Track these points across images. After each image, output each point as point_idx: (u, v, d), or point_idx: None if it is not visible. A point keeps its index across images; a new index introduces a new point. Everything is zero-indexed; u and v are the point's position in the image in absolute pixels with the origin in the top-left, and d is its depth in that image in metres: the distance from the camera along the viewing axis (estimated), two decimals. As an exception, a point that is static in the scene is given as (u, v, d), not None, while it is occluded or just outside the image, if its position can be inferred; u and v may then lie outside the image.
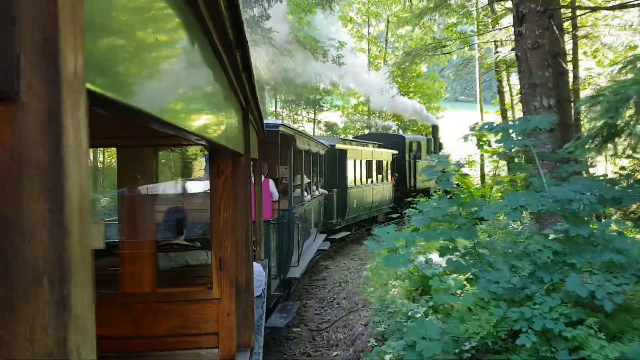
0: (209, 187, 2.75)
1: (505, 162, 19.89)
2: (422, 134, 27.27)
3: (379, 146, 17.33)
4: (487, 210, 3.90)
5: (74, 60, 0.48)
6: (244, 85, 2.58)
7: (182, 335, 2.83)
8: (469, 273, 3.97)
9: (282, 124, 6.37)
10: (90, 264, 0.51)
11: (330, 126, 28.81)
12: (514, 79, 19.89)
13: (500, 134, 4.41)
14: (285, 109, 26.67)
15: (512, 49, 14.03)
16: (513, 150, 5.23)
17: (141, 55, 0.83)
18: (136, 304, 2.82)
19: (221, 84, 2.02)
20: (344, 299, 8.49)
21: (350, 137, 26.73)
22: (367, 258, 11.97)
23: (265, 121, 6.86)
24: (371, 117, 31.22)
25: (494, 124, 4.89)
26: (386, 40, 32.34)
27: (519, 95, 14.97)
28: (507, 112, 15.37)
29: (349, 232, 14.08)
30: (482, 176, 19.94)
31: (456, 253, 3.91)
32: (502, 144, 4.61)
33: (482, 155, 19.40)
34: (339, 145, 12.94)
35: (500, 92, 15.25)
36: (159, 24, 0.95)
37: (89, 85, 0.52)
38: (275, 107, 25.41)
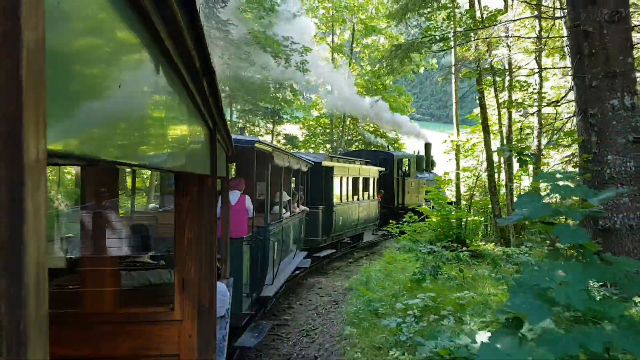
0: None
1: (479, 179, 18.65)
2: (397, 149, 27.58)
3: (366, 163, 17.50)
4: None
5: (36, 147, 0.54)
6: (210, 108, 2.64)
7: (142, 356, 2.83)
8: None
9: (258, 141, 6.43)
10: (46, 329, 0.57)
11: (289, 139, 26.82)
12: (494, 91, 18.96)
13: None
14: (242, 119, 24.75)
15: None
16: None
17: (105, 105, 0.88)
18: (96, 324, 2.81)
19: (188, 110, 2.08)
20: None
21: (311, 151, 26.95)
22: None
23: (241, 137, 6.94)
24: (334, 131, 29.64)
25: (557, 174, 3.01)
26: (351, 50, 30.68)
27: (505, 108, 14.68)
28: (489, 128, 14.77)
29: (334, 250, 14.06)
30: (458, 197, 19.17)
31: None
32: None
33: (457, 174, 18.78)
34: (325, 163, 13.03)
35: (483, 106, 14.39)
36: (124, 70, 1.00)
37: (49, 147, 0.57)
38: (231, 117, 23.36)
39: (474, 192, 18.16)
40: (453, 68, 17.75)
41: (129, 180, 7.66)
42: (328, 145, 29.03)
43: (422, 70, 28.52)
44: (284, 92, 24.31)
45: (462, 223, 14.64)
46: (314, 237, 12.35)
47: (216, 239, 2.81)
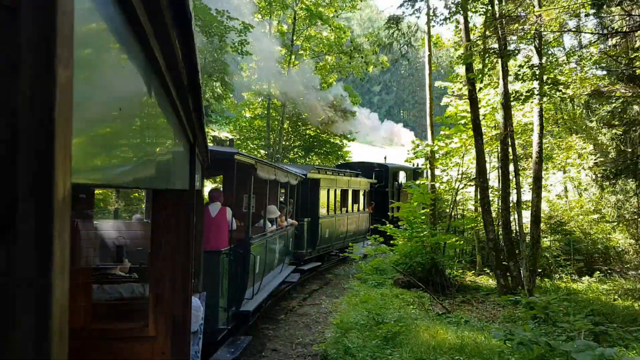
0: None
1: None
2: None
3: (357, 175, 17.58)
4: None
5: (64, 184, 0.56)
6: (192, 123, 2.66)
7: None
8: None
9: (238, 153, 6.44)
10: None
11: (219, 142, 20.39)
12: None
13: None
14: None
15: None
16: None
17: (109, 133, 0.91)
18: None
19: (172, 126, 2.11)
20: None
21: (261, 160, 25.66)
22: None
23: (221, 149, 6.94)
24: (271, 135, 24.40)
25: None
26: (292, 42, 24.71)
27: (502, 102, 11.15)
28: (480, 129, 11.83)
29: (319, 263, 14.03)
30: (434, 214, 14.80)
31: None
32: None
33: (432, 186, 14.89)
34: (311, 175, 13.09)
35: (473, 101, 11.64)
36: (124, 94, 1.03)
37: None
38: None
39: (453, 209, 15.67)
40: (426, 57, 15.43)
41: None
42: (263, 152, 24.72)
43: (371, 69, 24.35)
44: (213, 85, 19.16)
45: (440, 247, 12.84)
46: (299, 250, 12.35)
47: (192, 255, 2.81)
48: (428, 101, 16.09)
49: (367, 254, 15.41)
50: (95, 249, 3.16)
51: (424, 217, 13.32)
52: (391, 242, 13.32)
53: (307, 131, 25.95)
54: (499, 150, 12.29)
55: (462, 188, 15.87)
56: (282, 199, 10.89)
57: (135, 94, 1.18)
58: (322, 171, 14.40)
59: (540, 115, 12.05)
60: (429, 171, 15.38)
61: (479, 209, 16.43)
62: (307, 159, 26.38)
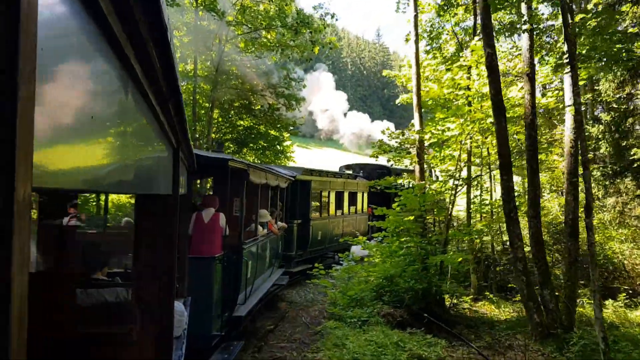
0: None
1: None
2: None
3: (355, 177, 17.59)
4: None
5: (24, 190, 0.61)
6: (175, 127, 2.70)
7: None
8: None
9: (232, 159, 6.49)
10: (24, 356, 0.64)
11: None
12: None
13: None
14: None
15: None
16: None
17: (78, 139, 0.95)
18: (49, 345, 2.80)
19: (153, 132, 2.15)
20: None
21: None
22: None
23: (215, 155, 6.98)
24: (197, 125, 19.00)
25: None
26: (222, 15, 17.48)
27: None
28: (502, 104, 8.64)
29: (309, 265, 14.01)
30: (423, 222, 11.11)
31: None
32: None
33: (421, 186, 11.03)
34: (301, 177, 13.10)
35: (494, 69, 8.48)
36: (98, 101, 1.07)
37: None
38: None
39: (450, 215, 11.79)
40: (412, 18, 12.59)
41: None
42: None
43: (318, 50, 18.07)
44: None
45: (437, 269, 9.95)
46: (288, 252, 12.35)
47: (175, 259, 2.85)
48: (414, 76, 12.05)
49: (366, 254, 12.57)
50: (81, 254, 3.19)
51: (413, 227, 10.32)
52: (365, 259, 11.56)
53: (240, 122, 21.27)
54: (525, 137, 9.27)
55: (461, 189, 12.10)
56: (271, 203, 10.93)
57: (110, 101, 1.21)
58: (314, 173, 14.45)
59: (576, 89, 8.78)
60: (417, 167, 11.76)
61: (487, 214, 13.82)
62: (241, 155, 21.30)
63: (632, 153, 14.34)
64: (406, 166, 15.25)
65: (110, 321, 2.97)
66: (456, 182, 11.51)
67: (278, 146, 22.40)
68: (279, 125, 20.93)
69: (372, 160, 17.17)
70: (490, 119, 9.85)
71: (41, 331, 2.82)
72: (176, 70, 1.90)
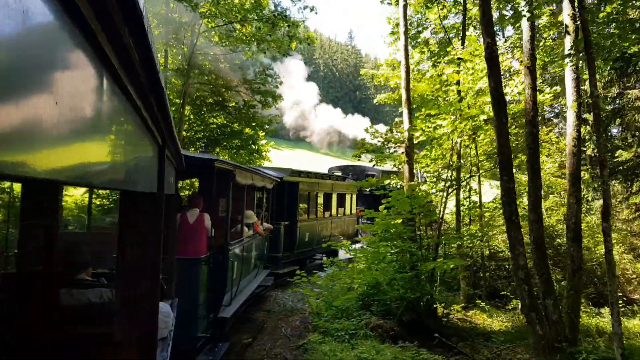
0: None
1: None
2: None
3: (343, 179, 17.65)
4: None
5: None
6: (159, 124, 2.67)
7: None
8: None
9: (218, 159, 6.46)
10: None
11: None
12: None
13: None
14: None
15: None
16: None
17: (40, 123, 0.91)
18: (31, 346, 2.74)
19: (134, 127, 2.11)
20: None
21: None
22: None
23: (200, 155, 6.93)
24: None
25: None
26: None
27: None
28: (504, 100, 8.02)
29: (296, 267, 13.98)
30: (411, 224, 10.09)
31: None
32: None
33: (411, 188, 10.22)
34: (288, 178, 13.09)
35: (493, 60, 7.72)
36: (63, 86, 1.03)
37: None
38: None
39: (442, 218, 10.85)
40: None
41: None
42: None
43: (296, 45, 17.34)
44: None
45: (428, 275, 9.27)
46: (274, 254, 12.31)
47: (160, 259, 2.81)
48: (404, 68, 11.18)
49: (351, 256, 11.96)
50: (65, 254, 3.13)
51: (404, 230, 9.53)
52: (350, 265, 10.75)
53: (213, 119, 20.30)
54: (525, 135, 8.60)
55: (452, 190, 11.37)
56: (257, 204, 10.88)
57: (82, 92, 1.18)
58: (302, 174, 14.46)
59: (577, 85, 8.71)
60: (407, 167, 10.91)
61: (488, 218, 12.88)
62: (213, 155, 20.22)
63: (616, 155, 14.32)
64: (394, 166, 14.35)
65: (93, 322, 2.92)
66: (447, 184, 10.80)
67: (253, 145, 21.10)
68: (254, 124, 19.73)
69: (362, 163, 16.78)
70: (484, 116, 9.50)
71: (24, 331, 2.76)
72: (156, 62, 1.87)
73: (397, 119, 13.67)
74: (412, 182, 10.55)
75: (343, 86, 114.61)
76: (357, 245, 12.30)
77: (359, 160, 14.23)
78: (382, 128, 12.53)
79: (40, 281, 2.87)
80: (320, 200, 15.49)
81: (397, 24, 15.74)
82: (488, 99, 9.26)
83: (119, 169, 1.81)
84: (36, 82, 0.87)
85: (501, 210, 11.32)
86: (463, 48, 11.72)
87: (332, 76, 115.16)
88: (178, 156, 3.45)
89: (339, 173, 20.72)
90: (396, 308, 8.64)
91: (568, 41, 8.79)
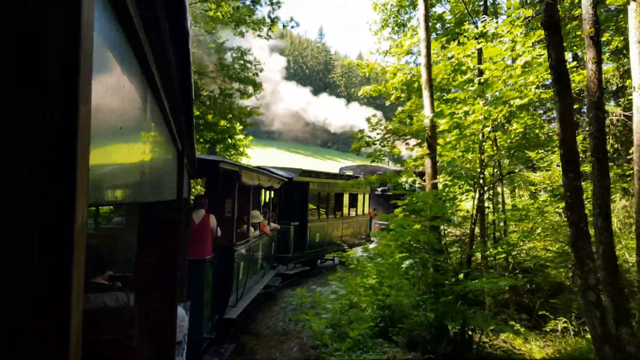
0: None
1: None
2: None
3: (355, 179, 17.65)
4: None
5: (82, 213, 0.60)
6: (182, 131, 2.70)
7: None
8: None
9: (223, 160, 6.51)
10: None
11: None
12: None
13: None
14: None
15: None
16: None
17: (111, 153, 0.94)
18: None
19: (162, 138, 2.13)
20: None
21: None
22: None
23: (207, 157, 6.96)
24: None
25: None
26: None
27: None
28: (568, 78, 6.78)
29: (307, 267, 13.99)
30: (436, 230, 8.17)
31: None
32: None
33: (434, 186, 8.76)
34: (298, 178, 13.11)
35: (554, 26, 6.45)
36: (124, 112, 1.06)
37: None
38: None
39: (475, 224, 8.94)
40: None
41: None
42: None
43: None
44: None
45: (461, 294, 7.00)
46: (284, 254, 12.35)
47: (177, 265, 2.84)
48: (424, 43, 9.12)
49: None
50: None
51: (429, 239, 7.43)
52: (357, 279, 8.56)
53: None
54: (589, 120, 7.02)
55: (488, 190, 9.40)
56: (264, 204, 10.90)
57: (132, 112, 1.22)
58: (313, 175, 14.49)
59: None
60: (429, 161, 8.91)
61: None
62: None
63: None
64: (402, 165, 12.79)
65: (110, 326, 2.95)
66: (481, 181, 8.86)
67: (230, 139, 18.72)
68: (230, 115, 17.20)
69: (374, 164, 16.35)
70: (519, 101, 8.06)
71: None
72: (192, 78, 1.91)
73: (399, 109, 12.74)
74: (435, 180, 8.75)
75: (313, 84, 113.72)
76: (371, 245, 11.52)
77: (357, 154, 12.64)
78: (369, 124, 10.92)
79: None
80: (332, 200, 15.49)
81: (385, 7, 14.85)
82: (532, 78, 8.11)
83: (150, 180, 1.83)
84: (110, 108, 0.89)
85: (519, 215, 10.03)
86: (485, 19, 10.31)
87: (302, 73, 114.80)
88: (193, 159, 3.47)
89: (350, 173, 20.73)
90: (423, 337, 7.03)
91: (633, 7, 7.41)
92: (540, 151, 10.10)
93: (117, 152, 1.13)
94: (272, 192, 11.08)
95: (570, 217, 6.25)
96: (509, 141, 9.61)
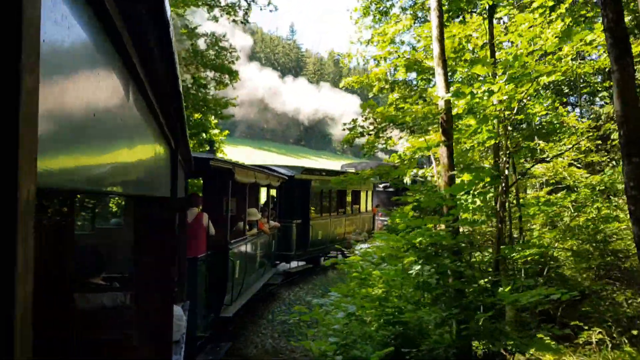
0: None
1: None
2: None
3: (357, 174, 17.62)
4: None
5: (27, 189, 0.58)
6: (175, 129, 2.70)
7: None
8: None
9: (213, 158, 6.48)
10: None
11: None
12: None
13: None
14: None
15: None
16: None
17: (80, 138, 0.93)
18: (44, 350, 2.76)
19: (152, 133, 2.14)
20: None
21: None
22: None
23: (197, 155, 6.95)
24: None
25: None
26: None
27: None
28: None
29: (310, 265, 13.97)
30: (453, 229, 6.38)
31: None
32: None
33: (451, 179, 7.05)
34: (300, 176, 13.10)
35: None
36: (99, 99, 1.05)
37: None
38: None
39: (503, 222, 7.37)
40: None
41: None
42: None
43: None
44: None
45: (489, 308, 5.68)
46: (286, 252, 12.36)
47: (174, 263, 2.84)
48: (435, 9, 7.39)
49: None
50: (76, 257, 3.15)
51: (449, 242, 5.89)
52: (360, 290, 6.55)
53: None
54: None
55: (513, 183, 8.07)
56: (263, 202, 10.90)
57: (111, 100, 1.21)
58: (315, 172, 14.49)
59: None
60: (445, 150, 7.37)
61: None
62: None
63: None
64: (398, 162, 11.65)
65: (109, 326, 2.95)
66: (507, 172, 7.56)
67: (204, 134, 16.69)
68: (204, 108, 15.32)
69: (375, 161, 16.03)
70: (548, 77, 6.93)
71: (37, 336, 2.78)
72: (177, 71, 1.89)
73: (392, 95, 11.91)
74: (453, 172, 7.36)
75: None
76: (364, 246, 10.30)
77: (351, 146, 11.71)
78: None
79: (52, 284, 2.89)
80: (334, 197, 15.50)
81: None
82: (567, 48, 6.96)
83: (139, 175, 1.83)
84: (80, 95, 0.89)
85: (542, 210, 8.51)
86: None
87: (274, 71, 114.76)
88: (188, 158, 3.47)
89: (352, 170, 20.84)
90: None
91: None
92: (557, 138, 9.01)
93: (98, 142, 1.11)
94: (272, 190, 11.08)
95: (635, 211, 5.05)
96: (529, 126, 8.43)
